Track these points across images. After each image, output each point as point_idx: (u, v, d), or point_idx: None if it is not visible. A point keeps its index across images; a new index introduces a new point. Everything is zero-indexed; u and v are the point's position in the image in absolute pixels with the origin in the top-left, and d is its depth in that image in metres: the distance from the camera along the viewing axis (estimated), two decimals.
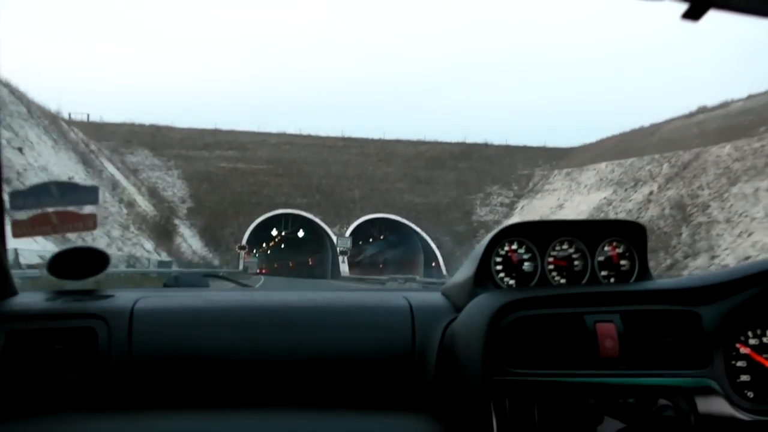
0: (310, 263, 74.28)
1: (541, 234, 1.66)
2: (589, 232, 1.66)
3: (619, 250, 1.66)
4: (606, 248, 1.66)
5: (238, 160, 66.96)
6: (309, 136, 74.17)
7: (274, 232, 60.89)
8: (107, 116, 71.05)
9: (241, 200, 60.16)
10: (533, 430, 1.29)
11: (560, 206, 54.98)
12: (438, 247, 57.86)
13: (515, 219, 64.79)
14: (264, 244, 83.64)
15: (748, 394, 1.39)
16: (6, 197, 1.64)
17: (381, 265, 65.20)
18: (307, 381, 1.50)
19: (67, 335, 1.49)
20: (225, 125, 75.15)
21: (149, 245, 40.19)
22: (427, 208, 62.90)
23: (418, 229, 59.85)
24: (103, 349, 1.48)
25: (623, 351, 1.36)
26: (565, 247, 1.66)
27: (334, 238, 56.79)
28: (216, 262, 52.76)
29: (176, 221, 54.37)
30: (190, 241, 53.21)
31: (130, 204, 44.98)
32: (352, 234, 58.15)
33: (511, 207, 64.46)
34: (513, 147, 75.70)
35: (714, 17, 0.85)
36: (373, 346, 1.54)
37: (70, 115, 58.24)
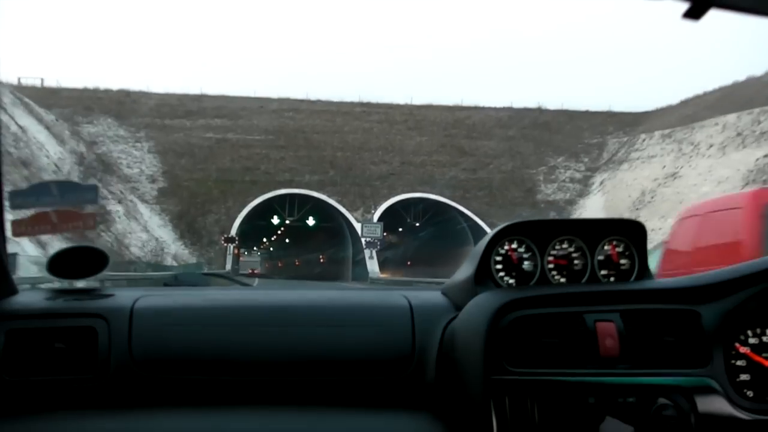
0: (322, 260, 58.89)
1: (540, 233, 1.64)
2: (588, 231, 1.65)
3: (619, 249, 1.65)
4: (606, 247, 1.65)
5: (228, 129, 51.99)
6: (318, 101, 59.05)
7: (276, 221, 45.82)
8: (71, 83, 56.22)
9: (231, 178, 45.12)
10: (533, 430, 1.28)
11: (674, 175, 39.66)
12: None
13: (596, 197, 46.43)
14: (265, 239, 68.34)
15: (748, 393, 1.38)
16: (6, 196, 1.65)
17: (409, 262, 49.49)
18: (306, 380, 1.49)
19: (67, 334, 1.48)
20: (213, 92, 60.20)
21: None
22: (476, 186, 47.79)
23: (467, 212, 44.60)
24: (104, 348, 1.47)
25: (623, 350, 1.35)
26: (564, 246, 1.64)
27: (357, 226, 41.63)
28: (193, 260, 37.68)
29: (140, 207, 39.29)
30: (158, 232, 38.07)
31: None
32: (379, 220, 42.86)
33: (584, 183, 49.34)
34: (572, 112, 60.61)
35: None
36: (372, 345, 1.53)
37: (20, 79, 50.19)
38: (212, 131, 51.60)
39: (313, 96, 60.43)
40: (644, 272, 1.64)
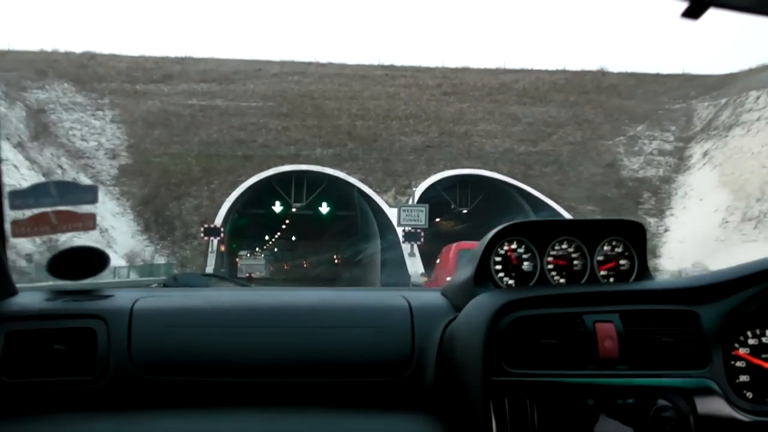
0: (337, 261, 47.31)
1: (540, 233, 1.62)
2: (588, 232, 1.63)
3: (619, 250, 1.64)
4: (605, 248, 1.64)
5: (217, 95, 40.83)
6: (330, 64, 47.84)
7: (278, 208, 34.39)
8: (26, 47, 45.25)
9: (218, 152, 33.87)
10: (532, 431, 1.27)
11: None
12: None
13: (703, 171, 33.80)
14: (267, 236, 56.84)
15: (747, 394, 1.37)
16: (5, 197, 1.61)
17: None
18: (306, 381, 1.48)
19: (66, 335, 1.47)
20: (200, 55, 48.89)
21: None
22: (540, 160, 36.46)
23: (534, 192, 33.16)
24: (103, 349, 1.46)
25: (623, 351, 1.34)
26: (564, 246, 1.63)
27: (390, 213, 30.21)
28: (161, 259, 26.44)
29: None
30: (109, 222, 26.71)
31: None
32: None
33: (678, 155, 37.97)
34: (641, 75, 49.43)
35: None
36: (372, 346, 1.52)
37: None
38: (196, 97, 40.42)
39: (323, 59, 49.46)
40: (644, 273, 1.62)
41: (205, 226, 26.47)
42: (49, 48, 46.36)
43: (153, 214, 28.81)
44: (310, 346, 1.50)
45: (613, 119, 41.92)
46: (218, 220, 28.42)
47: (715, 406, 1.30)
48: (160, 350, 1.48)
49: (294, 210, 34.98)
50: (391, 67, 48.23)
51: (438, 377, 1.46)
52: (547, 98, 44.36)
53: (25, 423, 1.39)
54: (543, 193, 33.04)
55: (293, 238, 55.35)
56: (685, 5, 0.84)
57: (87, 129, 35.69)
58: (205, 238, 26.51)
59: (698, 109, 42.45)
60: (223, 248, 28.55)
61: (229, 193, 30.85)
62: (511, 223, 1.60)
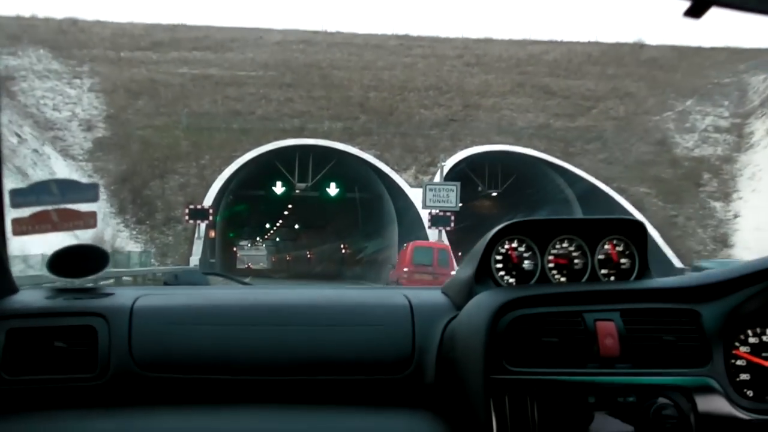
0: (345, 252, 42.58)
1: (541, 232, 1.61)
2: (589, 230, 1.62)
3: (620, 248, 1.63)
4: (606, 246, 1.62)
5: (211, 64, 36.19)
6: (338, 33, 43.13)
7: (280, 189, 29.68)
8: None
9: (210, 125, 29.23)
10: (533, 429, 1.27)
11: None
12: (639, 210, 26.39)
13: None
14: (268, 225, 52.16)
15: (748, 392, 1.36)
16: (6, 195, 1.64)
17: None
18: (306, 379, 1.47)
19: (67, 333, 1.47)
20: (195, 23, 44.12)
21: None
22: (581, 136, 31.85)
23: (579, 172, 28.46)
24: (104, 347, 1.46)
25: (623, 349, 1.34)
26: (565, 245, 1.62)
27: (411, 194, 25.60)
28: (137, 247, 21.88)
29: (57, 164, 23.60)
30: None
31: None
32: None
33: (737, 132, 33.23)
34: (681, 48, 44.48)
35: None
36: (373, 345, 1.51)
37: None
38: (188, 66, 35.78)
39: (331, 28, 44.74)
40: (644, 271, 1.61)
41: (191, 207, 21.86)
42: (27, 14, 41.73)
43: (130, 194, 24.22)
44: (311, 344, 1.49)
45: (658, 93, 37.17)
46: (207, 201, 23.77)
47: (716, 404, 1.30)
48: (161, 348, 1.47)
49: (297, 192, 30.29)
50: (407, 37, 43.54)
51: (438, 375, 1.45)
52: (582, 71, 39.61)
53: (25, 420, 1.39)
54: (588, 173, 28.30)
55: (296, 227, 50.56)
56: (687, 4, 0.85)
57: (61, 98, 31.10)
58: (191, 221, 21.86)
59: (752, 82, 37.76)
60: (212, 234, 23.97)
61: (222, 170, 26.20)
62: (511, 221, 1.57)
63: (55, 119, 29.06)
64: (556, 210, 29.34)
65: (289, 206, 38.65)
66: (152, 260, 20.74)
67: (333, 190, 29.78)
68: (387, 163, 27.86)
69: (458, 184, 23.08)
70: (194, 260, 20.92)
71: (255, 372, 1.46)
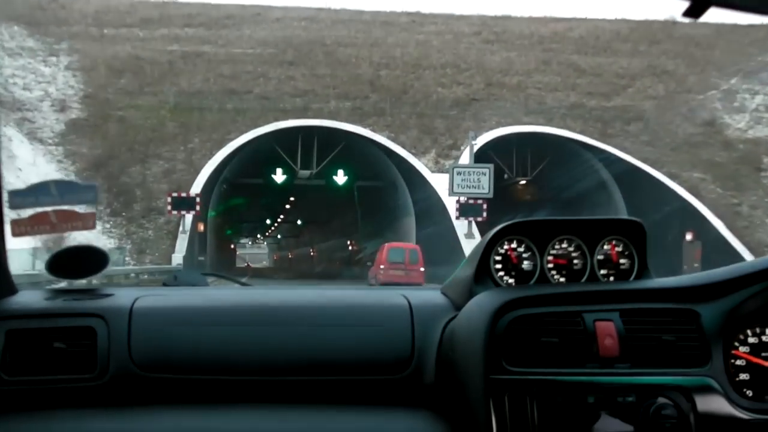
0: (351, 247, 38.70)
1: (540, 232, 1.61)
2: (588, 231, 1.61)
3: (619, 249, 1.62)
4: (605, 246, 1.62)
5: (204, 41, 32.73)
6: (344, 10, 39.57)
7: (280, 177, 26.11)
8: None
9: (202, 105, 25.70)
10: (532, 429, 1.27)
11: None
12: (696, 197, 22.83)
13: None
14: (269, 221, 48.63)
15: (747, 392, 1.36)
16: (5, 196, 1.56)
17: None
18: (306, 379, 1.47)
19: (66, 334, 1.46)
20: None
21: None
22: (619, 117, 28.30)
23: (625, 156, 24.91)
24: (103, 348, 1.45)
25: (623, 349, 1.34)
26: (564, 245, 1.61)
27: (434, 180, 22.04)
28: (111, 242, 18.37)
29: (21, 147, 20.13)
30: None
31: None
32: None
33: None
34: (716, 25, 40.62)
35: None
36: (372, 345, 1.51)
37: None
38: (178, 43, 32.27)
39: (336, 5, 41.09)
40: (644, 272, 1.61)
41: (174, 195, 18.31)
42: None
43: (105, 181, 20.67)
44: (310, 345, 1.48)
45: (698, 71, 33.66)
46: (196, 190, 20.24)
47: (716, 404, 1.29)
48: (160, 349, 1.46)
49: (300, 180, 26.76)
50: (418, 14, 40.01)
51: (438, 376, 1.45)
52: (612, 48, 36.10)
53: (25, 421, 1.38)
54: (635, 156, 24.74)
55: (299, 222, 46.95)
56: (686, 5, 0.85)
57: (33, 77, 27.64)
58: (174, 212, 18.32)
59: None
60: (201, 227, 20.43)
61: (213, 154, 22.66)
62: (510, 222, 1.57)
63: (24, 99, 25.59)
64: (597, 202, 25.83)
65: (291, 199, 35.09)
66: (126, 258, 17.26)
67: (341, 178, 26.23)
68: (403, 146, 24.32)
69: (491, 166, 19.54)
70: (177, 258, 17.48)
71: (254, 372, 1.45)
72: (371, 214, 30.40)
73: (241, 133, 24.26)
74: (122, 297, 1.57)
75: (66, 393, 1.42)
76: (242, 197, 31.88)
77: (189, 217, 18.88)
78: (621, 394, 1.28)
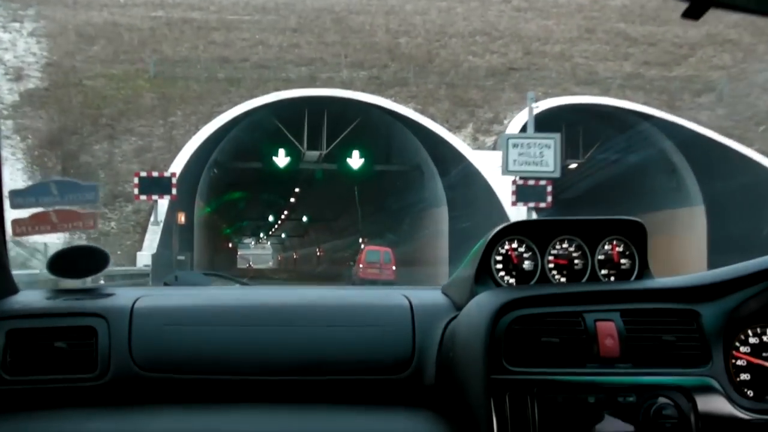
0: (363, 245, 33.91)
1: (541, 232, 1.62)
2: (589, 231, 1.62)
3: (620, 249, 1.62)
4: (606, 247, 1.62)
5: (194, 8, 28.13)
6: None
7: (283, 160, 21.64)
8: None
9: (187, 75, 21.17)
10: (533, 429, 1.27)
11: None
12: None
13: None
14: (272, 216, 44.10)
15: (748, 392, 1.37)
16: (6, 196, 1.61)
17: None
18: (307, 379, 1.47)
19: (67, 334, 1.47)
20: None
21: None
22: (685, 87, 23.87)
23: (707, 131, 20.30)
24: (104, 347, 1.46)
25: (623, 349, 1.34)
26: (565, 245, 1.62)
27: (474, 157, 17.44)
28: (58, 239, 13.53)
29: None
30: None
31: None
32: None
33: None
34: None
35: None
36: (373, 345, 1.51)
37: None
38: (164, 9, 27.72)
39: None
40: (644, 272, 1.61)
41: (142, 175, 13.75)
42: None
43: (61, 161, 16.26)
44: (311, 345, 1.48)
45: (766, 40, 29.12)
46: (177, 167, 15.74)
47: (716, 404, 1.30)
48: (161, 348, 1.46)
49: (307, 163, 22.23)
50: None
51: (439, 376, 1.45)
52: (661, 17, 31.45)
53: (26, 420, 1.39)
54: (717, 131, 20.17)
55: (304, 219, 42.34)
56: (685, 5, 0.83)
57: None
58: (142, 196, 13.81)
59: None
60: (182, 219, 15.95)
61: (199, 129, 18.13)
62: (511, 222, 1.58)
63: None
64: (665, 192, 21.31)
65: (296, 190, 30.51)
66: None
67: (356, 161, 21.69)
68: (433, 119, 19.77)
69: (557, 136, 15.02)
70: (143, 258, 13.07)
71: (255, 372, 1.44)
72: (390, 205, 25.85)
73: (234, 104, 19.76)
74: (123, 297, 1.56)
75: (67, 393, 1.41)
76: (238, 188, 27.44)
77: (163, 204, 14.45)
78: (622, 394, 1.27)
